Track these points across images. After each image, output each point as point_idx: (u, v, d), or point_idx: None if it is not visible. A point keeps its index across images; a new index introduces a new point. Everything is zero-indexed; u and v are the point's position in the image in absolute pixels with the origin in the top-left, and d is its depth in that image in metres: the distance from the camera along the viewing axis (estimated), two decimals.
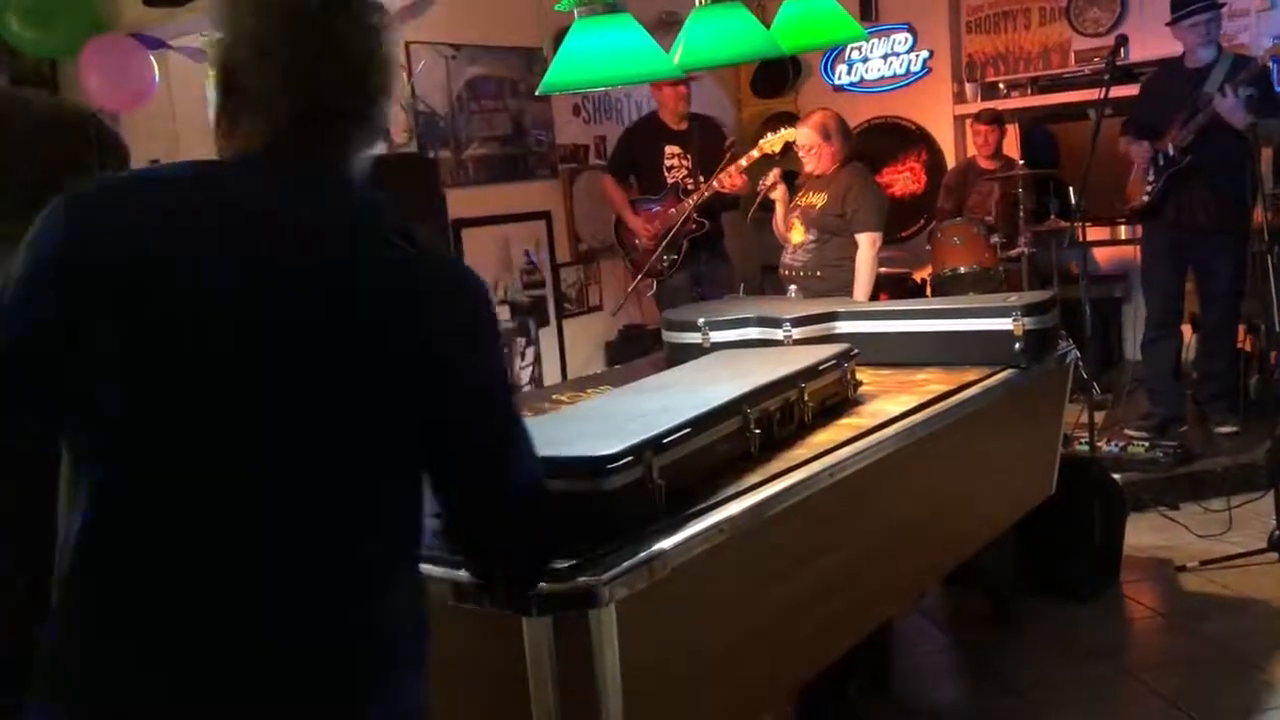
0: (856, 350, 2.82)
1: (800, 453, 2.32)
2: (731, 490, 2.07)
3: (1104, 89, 4.58)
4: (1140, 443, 4.80)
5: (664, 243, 5.22)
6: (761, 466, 2.23)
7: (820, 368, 2.61)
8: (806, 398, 2.51)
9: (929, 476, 2.67)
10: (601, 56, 2.59)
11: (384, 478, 1.24)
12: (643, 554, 1.79)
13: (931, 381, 2.91)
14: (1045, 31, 6.52)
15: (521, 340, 5.75)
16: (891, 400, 2.74)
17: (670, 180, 5.65)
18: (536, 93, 2.67)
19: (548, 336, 5.93)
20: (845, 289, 4.44)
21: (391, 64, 1.29)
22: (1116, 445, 4.82)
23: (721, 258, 5.71)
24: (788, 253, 4.69)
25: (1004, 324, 3.00)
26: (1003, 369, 2.96)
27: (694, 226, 4.88)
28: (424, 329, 1.23)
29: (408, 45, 5.08)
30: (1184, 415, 5.13)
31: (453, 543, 1.40)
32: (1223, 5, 4.85)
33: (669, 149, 5.68)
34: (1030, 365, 3.01)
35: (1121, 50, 5.66)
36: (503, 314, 5.66)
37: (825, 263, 4.56)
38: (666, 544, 1.83)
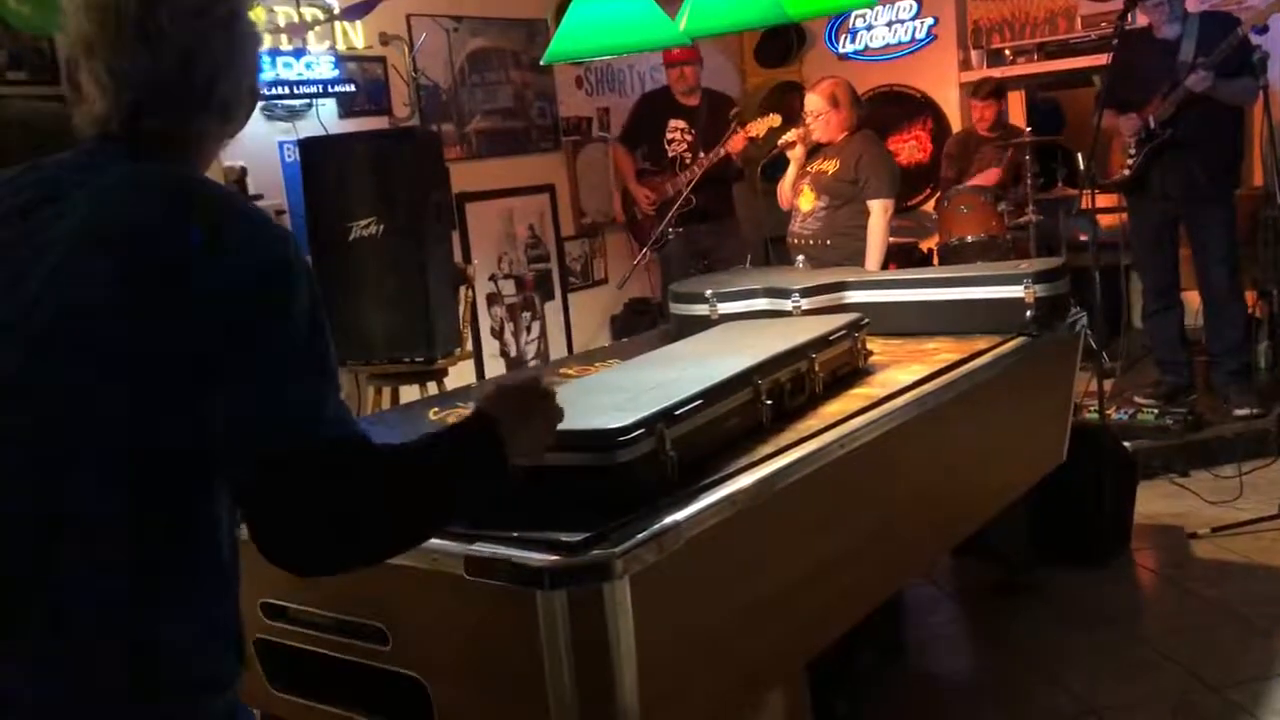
0: (867, 320, 2.79)
1: (812, 423, 2.31)
2: (744, 462, 2.06)
3: (1113, 54, 4.54)
4: (1149, 410, 4.79)
5: (662, 214, 5.20)
6: (773, 438, 2.21)
7: (831, 338, 2.59)
8: (817, 368, 2.49)
9: (941, 446, 2.65)
10: (606, 25, 2.56)
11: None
12: (656, 526, 1.77)
13: (942, 350, 2.89)
14: None
15: (527, 314, 5.74)
16: (903, 370, 2.72)
17: (671, 154, 5.64)
18: (541, 62, 2.63)
19: (553, 311, 5.92)
20: (856, 257, 4.41)
21: (231, 43, 1.27)
22: (1126, 412, 4.80)
23: (728, 230, 5.69)
24: (796, 220, 4.65)
25: (1016, 291, 2.98)
26: (1014, 337, 2.94)
27: (685, 202, 4.87)
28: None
29: (409, 18, 5.04)
30: (1193, 383, 5.11)
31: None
32: None
33: (673, 122, 5.67)
34: (1042, 333, 2.99)
35: (1129, 15, 5.61)
36: (508, 288, 5.64)
37: (836, 230, 4.51)
38: (679, 516, 1.82)
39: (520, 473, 1.37)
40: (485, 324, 5.47)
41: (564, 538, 1.70)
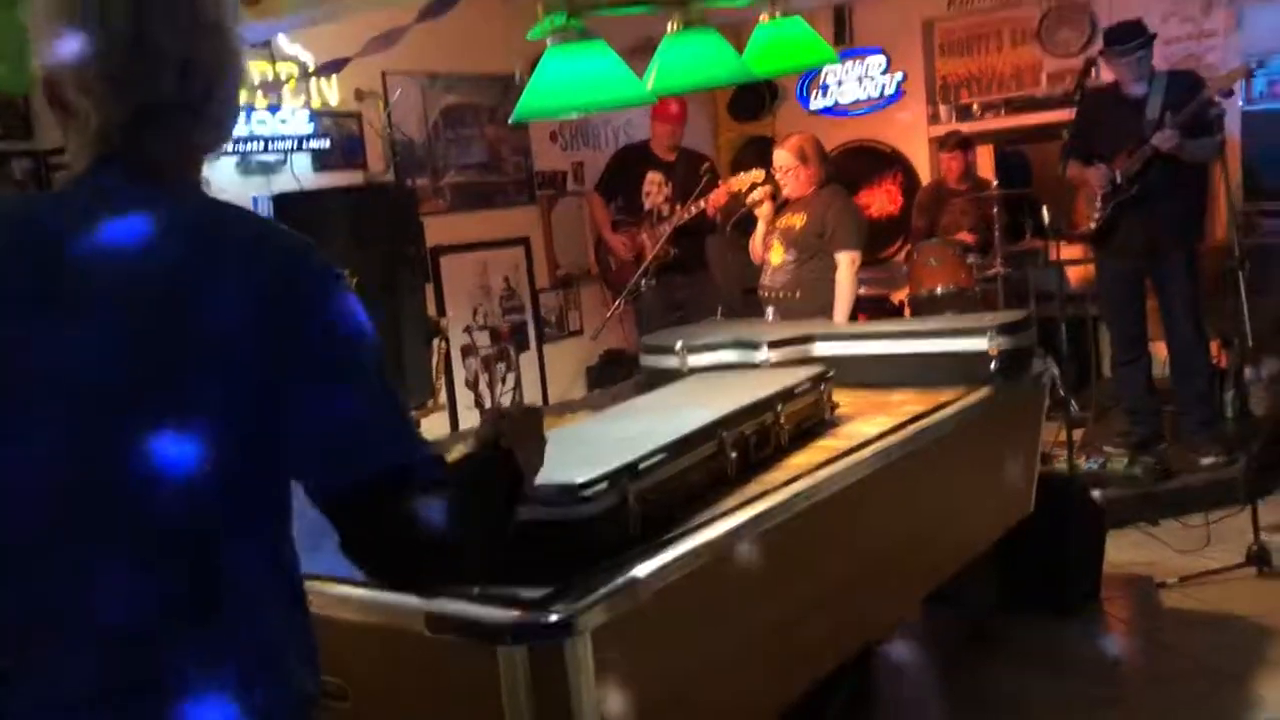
0: (832, 372, 2.82)
1: (777, 476, 2.32)
2: (708, 515, 2.07)
3: (1080, 108, 4.64)
4: (1119, 459, 4.83)
5: (638, 265, 5.25)
6: (739, 490, 2.23)
7: (796, 390, 2.61)
8: (783, 420, 2.51)
9: (907, 497, 2.67)
10: (574, 83, 2.60)
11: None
12: (619, 581, 1.78)
13: (908, 402, 2.91)
14: (1017, 53, 6.60)
15: (502, 366, 5.75)
16: (868, 421, 2.74)
17: (647, 206, 5.71)
18: (510, 121, 2.67)
19: (528, 362, 5.94)
20: (825, 308, 4.46)
21: (223, 53, 1.25)
22: (1096, 462, 4.84)
23: (702, 281, 5.75)
24: (767, 273, 4.72)
25: (979, 344, 3.02)
26: (979, 388, 2.97)
27: (662, 252, 4.93)
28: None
29: (384, 74, 5.10)
30: (1162, 432, 5.16)
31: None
32: (1153, 38, 4.88)
33: (651, 175, 5.75)
34: (1006, 384, 3.03)
35: (1092, 71, 5.75)
36: (483, 340, 5.66)
37: (805, 282, 4.57)
38: (643, 570, 1.83)
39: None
40: (460, 375, 5.48)
41: (525, 593, 1.70)
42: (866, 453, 2.48)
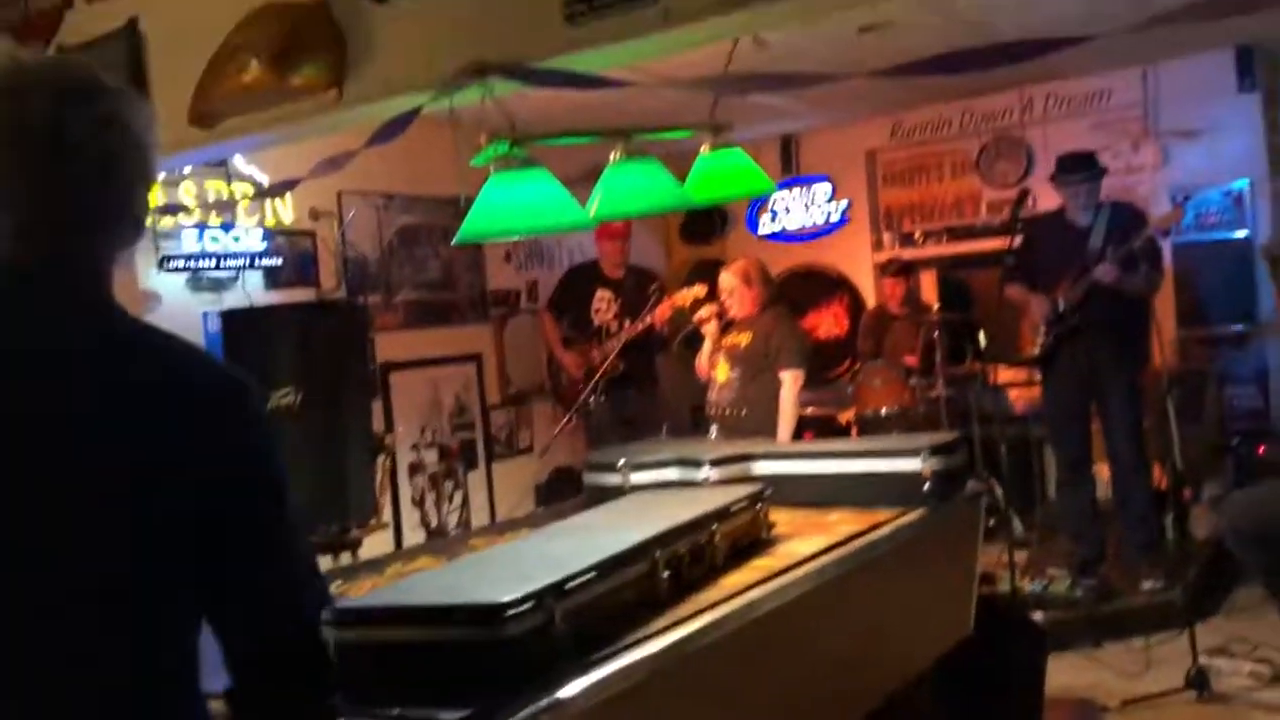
0: (769, 490, 2.85)
1: (711, 595, 2.32)
2: (639, 635, 2.06)
3: (1010, 239, 4.81)
4: (1061, 581, 4.86)
5: (589, 383, 5.31)
6: (671, 610, 2.22)
7: (732, 509, 2.63)
8: (718, 539, 2.52)
9: (842, 618, 2.67)
10: (515, 208, 2.68)
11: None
12: (544, 702, 1.76)
13: (843, 522, 2.93)
14: (957, 184, 6.85)
15: (450, 484, 5.73)
16: (804, 541, 2.76)
17: (597, 323, 5.80)
18: (453, 243, 2.74)
19: (477, 480, 5.92)
20: (769, 426, 4.52)
21: (140, 150, 1.27)
22: (1039, 584, 4.87)
23: (652, 397, 5.82)
24: (713, 391, 4.79)
25: (912, 464, 3.06)
26: (913, 509, 3.01)
27: (612, 367, 5.01)
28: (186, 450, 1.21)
29: (339, 194, 5.20)
30: (1105, 554, 5.21)
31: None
32: (1103, 172, 5.09)
33: (600, 293, 5.86)
34: (940, 504, 3.06)
35: (1030, 200, 5.96)
36: (430, 457, 5.65)
37: (749, 400, 4.65)
38: (569, 692, 1.81)
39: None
40: (406, 493, 5.45)
41: (446, 716, 1.68)
42: (800, 572, 2.48)
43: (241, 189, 4.64)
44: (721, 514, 2.58)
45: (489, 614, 1.81)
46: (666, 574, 2.28)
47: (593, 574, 2.05)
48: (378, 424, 4.98)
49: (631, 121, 3.25)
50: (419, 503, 5.53)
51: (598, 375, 5.01)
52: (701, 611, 2.22)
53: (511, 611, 1.83)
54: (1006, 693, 3.63)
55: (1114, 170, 6.30)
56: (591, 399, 5.19)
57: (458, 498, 5.76)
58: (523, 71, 2.55)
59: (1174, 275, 6.12)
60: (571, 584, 1.98)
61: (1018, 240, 4.98)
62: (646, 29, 2.40)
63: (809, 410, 5.85)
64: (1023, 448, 6.06)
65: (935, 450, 3.08)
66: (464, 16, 2.64)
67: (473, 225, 2.70)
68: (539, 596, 1.89)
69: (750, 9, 2.30)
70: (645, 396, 5.75)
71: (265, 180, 4.69)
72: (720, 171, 3.40)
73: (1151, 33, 5.31)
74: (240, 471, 1.24)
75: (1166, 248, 6.06)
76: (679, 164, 3.25)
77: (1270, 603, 3.82)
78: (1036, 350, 5.13)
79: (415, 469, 5.53)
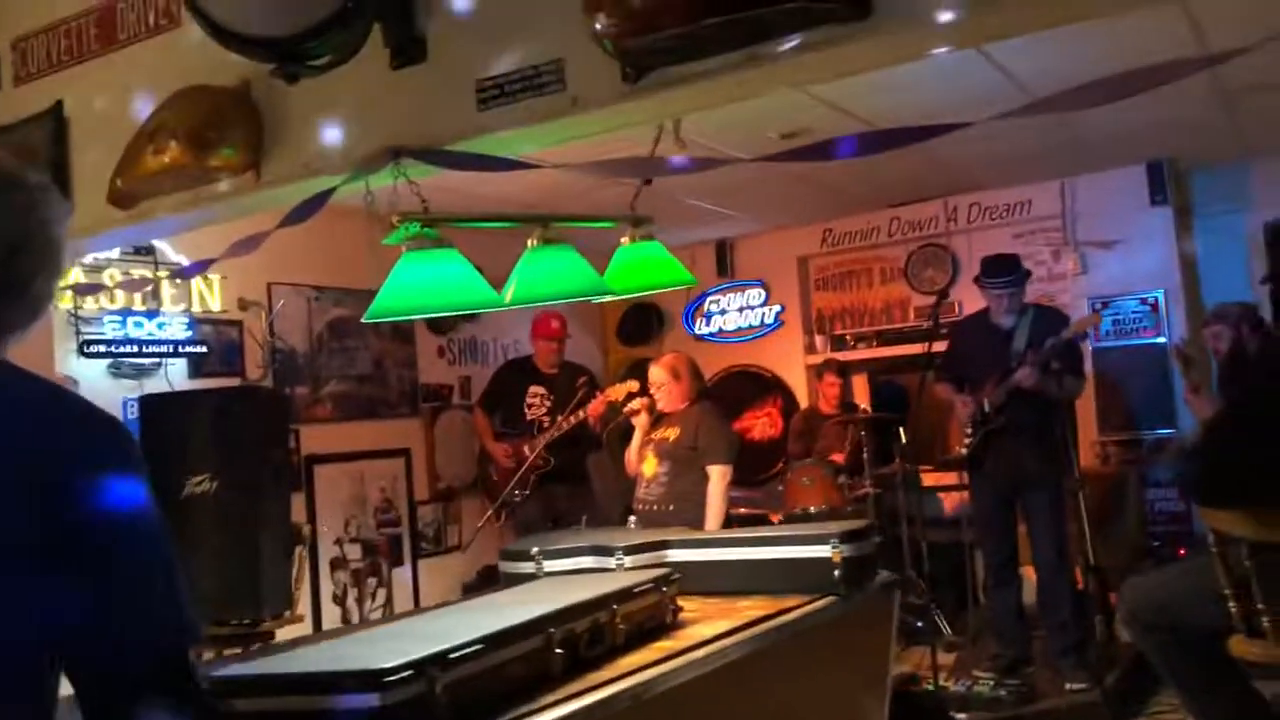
0: (678, 575, 2.83)
1: (605, 674, 2.29)
2: (523, 710, 2.03)
3: (928, 344, 4.91)
4: (985, 681, 4.83)
5: (515, 476, 5.29)
6: (563, 687, 2.19)
7: (635, 590, 2.61)
8: (619, 620, 2.49)
9: (745, 706, 2.64)
10: (426, 286, 2.71)
11: None
12: None
13: (753, 609, 2.92)
14: (887, 289, 7.02)
15: (373, 580, 5.62)
16: (710, 625, 2.74)
17: (529, 418, 5.79)
18: (363, 319, 2.76)
19: (402, 577, 5.81)
20: (697, 522, 4.51)
21: (48, 241, 1.32)
22: (964, 685, 4.84)
23: (583, 494, 5.78)
24: (641, 486, 4.78)
25: (822, 551, 3.07)
26: (822, 596, 3.00)
27: (542, 463, 4.99)
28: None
29: (269, 285, 5.20)
30: (1031, 656, 5.20)
31: None
32: (1027, 275, 5.22)
33: (533, 389, 5.87)
34: (850, 593, 3.06)
35: (957, 306, 6.12)
36: (355, 553, 5.55)
37: (677, 495, 4.65)
38: None
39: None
40: (327, 589, 5.34)
41: None
42: (700, 653, 2.46)
43: (165, 274, 4.64)
44: (623, 595, 2.56)
45: (368, 680, 1.77)
46: (560, 651, 2.25)
47: (479, 645, 2.02)
48: (299, 516, 4.90)
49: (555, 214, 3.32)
50: (340, 599, 5.42)
51: (524, 468, 4.99)
52: (593, 689, 2.19)
53: (390, 678, 1.80)
54: None
55: (1036, 277, 6.50)
56: (519, 493, 5.16)
57: (381, 595, 5.65)
58: (434, 154, 2.61)
59: (1095, 380, 6.27)
60: (456, 654, 1.96)
61: (943, 343, 5.07)
62: (556, 114, 2.47)
63: (741, 510, 5.86)
64: (954, 550, 6.09)
65: (845, 537, 3.09)
66: (379, 100, 2.71)
67: (383, 303, 2.72)
68: (420, 665, 1.86)
69: (656, 96, 2.38)
70: (575, 493, 5.72)
71: (183, 260, 4.69)
72: (639, 263, 3.46)
73: (1069, 148, 5.60)
74: (100, 498, 1.23)
75: (1088, 353, 6.24)
76: (600, 261, 3.31)
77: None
78: (964, 450, 5.19)
79: (337, 564, 5.42)
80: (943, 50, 2.21)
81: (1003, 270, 5.11)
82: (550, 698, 2.11)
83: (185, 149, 2.83)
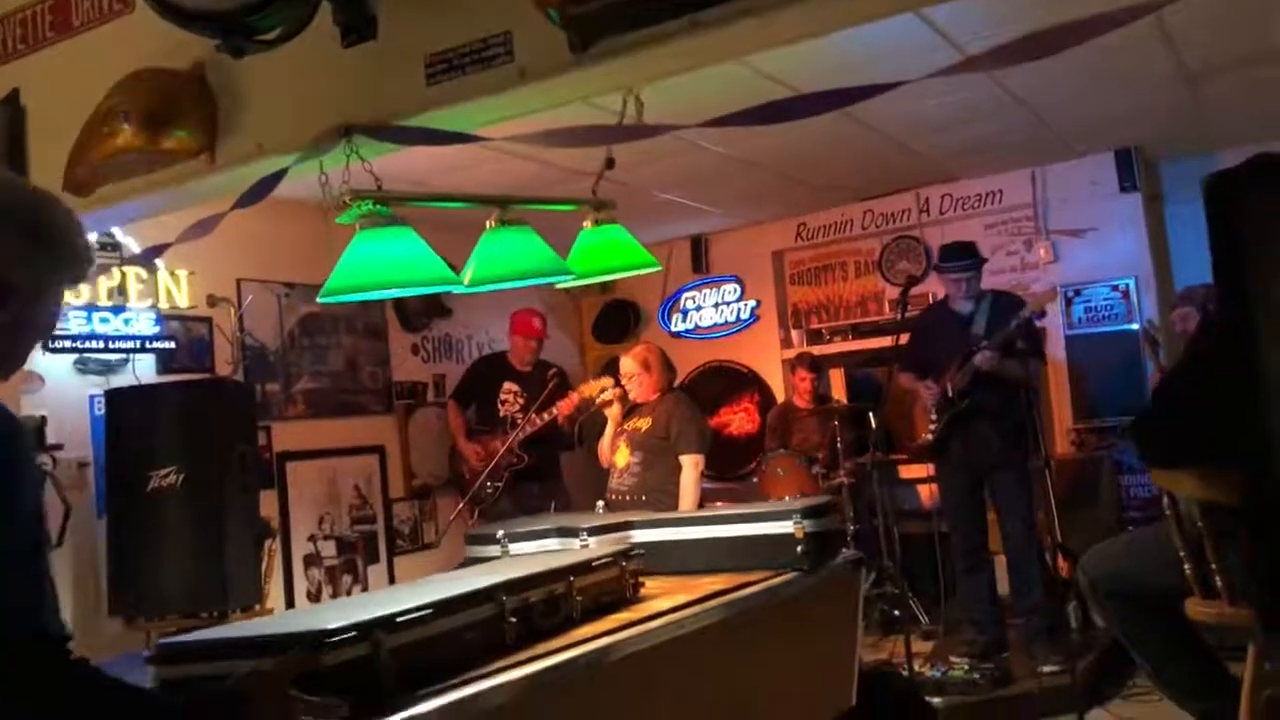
0: (638, 550, 2.83)
1: (559, 643, 2.28)
2: (472, 674, 2.02)
3: (896, 336, 4.93)
4: (960, 666, 4.84)
5: (487, 471, 5.28)
6: (514, 654, 2.18)
7: (593, 564, 2.61)
8: (575, 592, 2.49)
9: (704, 678, 2.63)
10: (381, 264, 2.70)
11: None
12: None
13: (715, 585, 2.92)
14: (861, 283, 7.03)
15: (348, 578, 5.59)
16: (670, 599, 2.74)
17: (502, 414, 5.78)
18: (318, 298, 2.75)
19: (378, 574, 5.79)
20: (669, 511, 4.50)
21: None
22: (939, 670, 4.84)
23: (556, 491, 5.77)
24: (614, 476, 4.78)
25: (785, 527, 3.07)
26: (784, 571, 3.00)
27: (515, 460, 4.99)
28: None
29: (239, 281, 5.19)
30: (1005, 641, 5.21)
31: None
32: (983, 261, 5.27)
33: (507, 385, 5.86)
34: (814, 568, 3.06)
35: (931, 297, 6.13)
36: (328, 549, 5.52)
37: (650, 485, 4.64)
38: None
39: None
40: (301, 586, 5.31)
41: None
42: (656, 624, 2.46)
43: (134, 271, 4.62)
44: (580, 568, 2.56)
45: (311, 641, 1.77)
46: (513, 620, 2.25)
47: (427, 611, 2.02)
48: (271, 513, 4.88)
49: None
50: (314, 597, 5.39)
51: (493, 463, 4.98)
52: (545, 655, 2.18)
53: (333, 639, 1.79)
54: None
55: (1010, 267, 6.54)
56: (490, 488, 5.14)
57: (356, 592, 5.62)
58: (385, 131, 2.60)
59: (1068, 367, 6.31)
60: (402, 618, 1.95)
61: (906, 333, 5.10)
62: (504, 86, 2.47)
63: (717, 503, 5.84)
64: (931, 541, 6.10)
65: (808, 513, 3.09)
66: (331, 79, 2.70)
67: (337, 281, 2.72)
68: (365, 628, 1.86)
69: (603, 65, 2.38)
70: (549, 490, 5.71)
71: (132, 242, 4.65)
72: (602, 245, 3.46)
73: (1038, 136, 5.62)
74: None
75: (1059, 340, 6.27)
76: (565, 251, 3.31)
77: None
78: (929, 436, 5.21)
79: (311, 561, 5.40)
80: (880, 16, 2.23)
81: (958, 256, 5.19)
82: (500, 663, 2.11)
83: (138, 131, 2.82)
